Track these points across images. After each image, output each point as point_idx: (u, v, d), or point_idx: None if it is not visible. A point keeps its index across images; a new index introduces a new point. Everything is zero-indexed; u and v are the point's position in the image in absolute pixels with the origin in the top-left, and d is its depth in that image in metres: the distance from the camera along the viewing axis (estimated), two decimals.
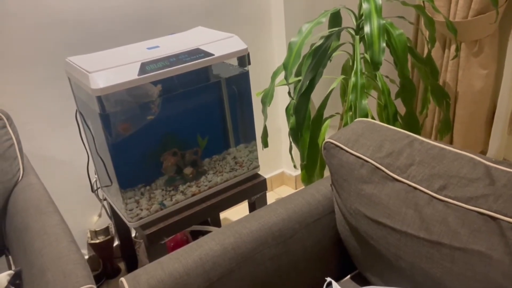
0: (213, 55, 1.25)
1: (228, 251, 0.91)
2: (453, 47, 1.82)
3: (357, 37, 1.52)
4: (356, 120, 1.08)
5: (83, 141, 1.39)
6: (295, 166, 1.79)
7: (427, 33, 1.95)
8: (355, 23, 1.58)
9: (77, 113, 1.36)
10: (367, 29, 1.25)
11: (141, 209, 1.30)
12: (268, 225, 0.97)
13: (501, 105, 1.89)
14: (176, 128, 1.32)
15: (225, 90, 1.36)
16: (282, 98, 2.03)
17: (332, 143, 1.01)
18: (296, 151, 2.09)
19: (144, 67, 1.16)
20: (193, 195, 1.38)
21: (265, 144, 1.78)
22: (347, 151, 0.98)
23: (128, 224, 1.29)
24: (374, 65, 1.24)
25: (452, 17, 1.78)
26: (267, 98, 1.68)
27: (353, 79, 1.40)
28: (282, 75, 1.84)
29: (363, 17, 1.56)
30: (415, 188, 0.86)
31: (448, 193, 0.81)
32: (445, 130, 1.57)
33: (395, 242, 0.86)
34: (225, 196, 1.39)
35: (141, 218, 1.29)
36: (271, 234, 0.97)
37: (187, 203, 1.36)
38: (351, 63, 1.67)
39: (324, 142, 1.03)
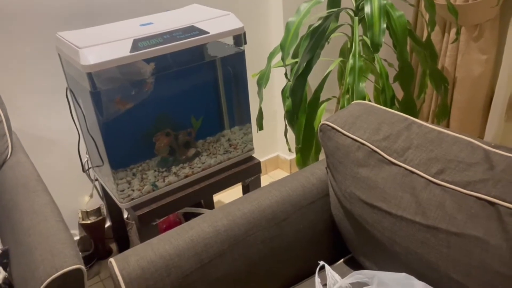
0: (208, 33, 1.21)
1: (220, 233, 0.90)
2: (453, 31, 1.79)
3: (356, 18, 1.48)
4: (353, 102, 1.06)
5: (73, 119, 1.36)
6: (290, 150, 1.77)
7: (427, 16, 1.91)
8: (354, 4, 1.54)
9: (67, 90, 1.32)
10: (367, 9, 1.22)
11: (133, 190, 1.28)
12: (261, 208, 0.95)
13: (499, 92, 1.87)
14: (170, 108, 1.29)
15: (220, 70, 1.33)
16: (279, 80, 2.00)
17: (328, 125, 0.99)
18: (291, 135, 2.06)
19: (137, 44, 1.12)
20: (186, 176, 1.36)
21: (260, 127, 1.76)
22: (343, 134, 0.96)
23: (120, 205, 1.27)
24: (374, 47, 1.21)
25: (453, 0, 1.75)
26: (263, 80, 1.65)
27: (351, 61, 1.38)
28: (279, 56, 1.81)
29: None
30: (412, 172, 0.84)
31: (445, 177, 0.79)
32: (443, 115, 1.55)
33: (390, 227, 0.84)
34: (219, 178, 1.37)
35: (132, 199, 1.27)
36: (264, 217, 0.95)
37: (180, 185, 1.34)
38: (349, 46, 1.64)
39: (320, 125, 1.01)
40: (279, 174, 2.17)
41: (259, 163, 1.44)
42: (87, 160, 1.51)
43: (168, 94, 1.25)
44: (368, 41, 1.46)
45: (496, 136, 1.94)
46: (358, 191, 0.91)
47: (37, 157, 1.51)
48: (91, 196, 1.63)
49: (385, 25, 1.19)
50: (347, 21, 1.64)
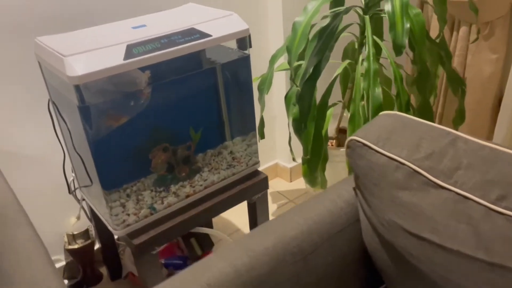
0: (210, 36, 1.07)
1: (242, 274, 0.76)
2: (462, 30, 1.69)
3: (367, 17, 1.36)
4: (382, 113, 0.93)
5: (57, 135, 1.20)
6: (294, 159, 1.65)
7: (432, 15, 1.81)
8: (363, 1, 1.42)
9: (49, 103, 1.16)
10: (387, 7, 1.09)
11: (128, 214, 1.13)
12: (285, 240, 0.82)
13: (509, 92, 1.78)
14: (167, 120, 1.15)
15: (222, 77, 1.19)
16: (278, 84, 1.87)
17: (358, 141, 0.86)
18: (295, 142, 1.94)
19: (131, 50, 0.97)
20: (187, 196, 1.21)
21: (262, 135, 1.63)
22: (377, 151, 0.83)
23: (114, 232, 1.12)
24: (396, 48, 1.09)
25: None
26: (264, 85, 1.52)
27: (365, 64, 1.25)
28: (281, 59, 1.68)
29: None
30: (466, 198, 0.72)
31: (509, 204, 0.68)
32: (460, 120, 1.45)
33: (444, 263, 0.72)
34: (224, 197, 1.23)
35: (128, 225, 1.12)
36: (289, 251, 0.82)
37: (181, 206, 1.20)
38: (357, 46, 1.53)
39: (348, 140, 0.88)
40: (279, 183, 2.04)
41: (266, 178, 1.31)
42: (72, 180, 1.35)
43: (164, 105, 1.11)
44: (379, 41, 1.34)
45: (505, 138, 1.86)
46: (399, 219, 0.78)
47: (14, 176, 1.34)
48: (78, 218, 1.47)
49: (408, 25, 1.07)
50: (353, 20, 1.52)
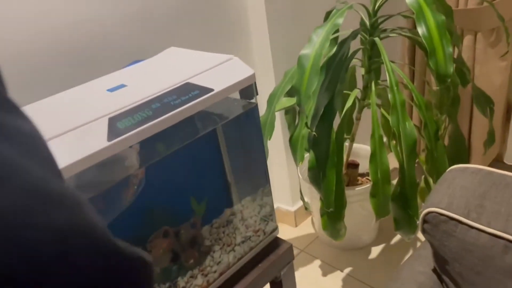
0: (212, 90, 0.84)
1: None
2: (466, 39, 1.54)
3: (377, 39, 1.18)
4: (451, 169, 0.73)
5: None
6: (306, 208, 1.43)
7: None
8: (368, 23, 1.24)
9: None
10: (421, 30, 0.90)
11: None
12: None
13: None
14: (163, 198, 0.91)
15: (228, 133, 0.97)
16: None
17: (442, 214, 0.65)
18: (294, 183, 1.72)
19: (115, 125, 0.73)
20: None
21: None
22: (473, 227, 0.63)
23: None
24: (440, 78, 0.90)
25: (463, 5, 1.50)
26: (265, 129, 1.30)
27: (389, 96, 1.06)
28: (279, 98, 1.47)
29: (378, 15, 1.23)
30: None
31: None
32: (491, 142, 1.28)
33: None
34: (246, 284, 0.99)
35: None
36: None
37: None
38: (363, 73, 1.34)
39: (425, 213, 0.67)
40: (284, 230, 1.81)
41: (290, 247, 1.08)
42: None
43: (160, 180, 0.87)
44: (396, 68, 1.16)
45: None
46: None
47: None
48: None
49: (451, 49, 0.88)
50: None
